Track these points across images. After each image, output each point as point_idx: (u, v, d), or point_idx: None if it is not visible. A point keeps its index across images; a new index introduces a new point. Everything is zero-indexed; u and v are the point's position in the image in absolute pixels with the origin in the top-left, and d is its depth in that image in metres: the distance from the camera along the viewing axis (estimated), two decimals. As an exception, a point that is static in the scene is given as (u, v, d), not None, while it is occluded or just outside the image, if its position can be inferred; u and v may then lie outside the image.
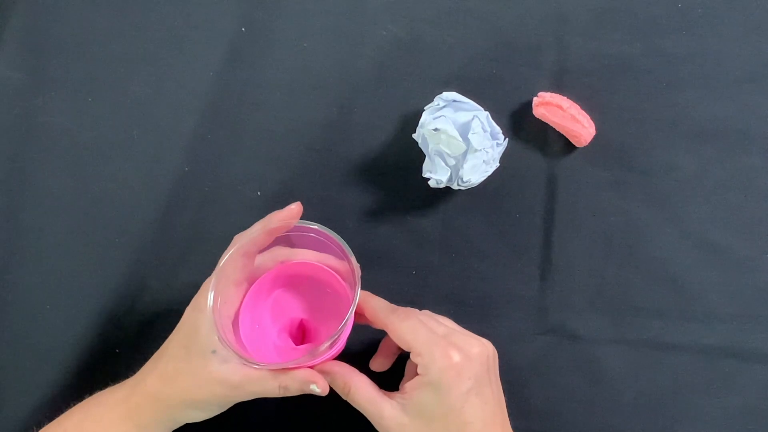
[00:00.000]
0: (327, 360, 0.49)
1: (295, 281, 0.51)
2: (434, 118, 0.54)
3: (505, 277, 0.58)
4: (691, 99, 0.57)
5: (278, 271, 0.50)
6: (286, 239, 0.49)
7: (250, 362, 0.44)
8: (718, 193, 0.57)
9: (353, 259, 0.46)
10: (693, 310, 0.57)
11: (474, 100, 0.56)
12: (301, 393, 0.47)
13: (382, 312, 0.49)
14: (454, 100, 0.55)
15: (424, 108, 0.57)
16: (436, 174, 0.54)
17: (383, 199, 0.60)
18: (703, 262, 0.57)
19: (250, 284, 0.50)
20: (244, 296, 0.49)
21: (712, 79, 0.57)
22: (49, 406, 0.58)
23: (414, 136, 0.57)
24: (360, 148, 0.59)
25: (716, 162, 0.57)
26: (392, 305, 0.50)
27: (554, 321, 0.58)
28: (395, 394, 0.48)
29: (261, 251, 0.49)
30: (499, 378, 0.49)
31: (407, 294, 0.59)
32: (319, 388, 0.46)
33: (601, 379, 0.57)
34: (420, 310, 0.51)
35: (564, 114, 0.56)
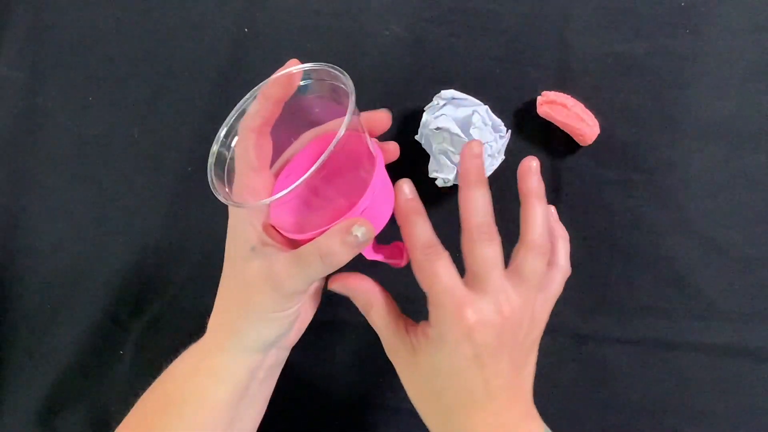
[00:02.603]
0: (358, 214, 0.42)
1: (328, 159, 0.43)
2: (435, 117, 0.54)
3: (510, 276, 0.58)
4: (696, 97, 0.57)
5: (306, 151, 0.45)
6: (301, 112, 0.44)
7: (245, 204, 0.39)
8: (724, 191, 0.57)
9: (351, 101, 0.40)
10: (699, 308, 0.57)
11: (478, 100, 0.56)
12: (348, 251, 0.41)
13: (415, 247, 0.44)
14: (453, 98, 0.55)
15: (424, 108, 0.56)
16: (443, 173, 0.54)
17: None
18: (709, 260, 0.57)
19: (277, 173, 0.45)
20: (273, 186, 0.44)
21: (716, 77, 0.57)
22: (51, 406, 0.58)
23: (416, 137, 0.56)
24: (363, 148, 0.59)
25: (721, 160, 0.57)
26: (434, 235, 0.45)
27: (559, 320, 0.58)
28: (417, 327, 0.44)
29: (273, 126, 0.44)
30: (530, 350, 0.45)
31: (412, 293, 0.58)
32: (364, 227, 0.40)
33: (607, 378, 0.57)
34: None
35: (568, 113, 0.56)
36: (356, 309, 0.59)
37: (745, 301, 0.56)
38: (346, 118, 0.39)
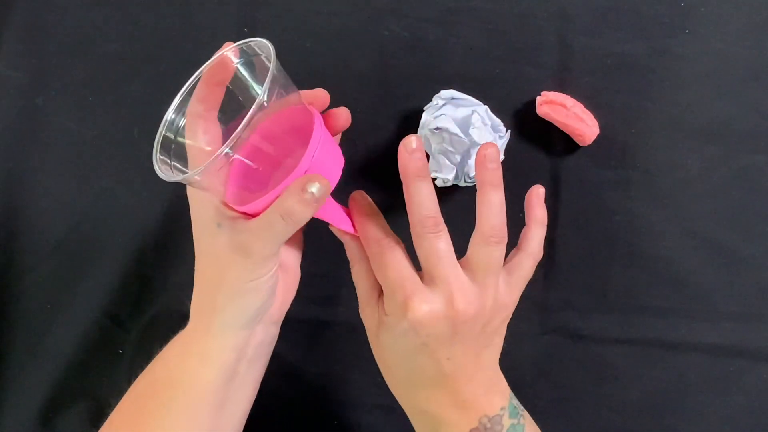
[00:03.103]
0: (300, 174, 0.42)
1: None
2: (435, 117, 0.54)
3: (509, 276, 0.58)
4: (695, 98, 0.57)
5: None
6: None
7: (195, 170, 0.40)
8: (723, 191, 0.57)
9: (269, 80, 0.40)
10: (698, 309, 0.57)
11: (477, 100, 0.56)
12: (307, 208, 0.41)
13: (367, 239, 0.45)
14: (453, 98, 0.55)
15: (424, 108, 0.56)
16: (442, 173, 0.54)
17: (387, 199, 0.59)
18: (707, 260, 0.57)
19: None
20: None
21: (715, 77, 0.57)
22: (51, 405, 0.58)
23: (416, 136, 0.56)
24: (363, 148, 0.59)
25: (720, 161, 0.57)
26: (386, 230, 0.45)
27: (559, 320, 0.58)
28: (383, 302, 0.45)
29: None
30: (494, 334, 0.46)
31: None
32: (317, 183, 0.40)
33: (606, 378, 0.57)
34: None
35: (568, 113, 0.56)
36: (356, 309, 0.59)
37: (745, 301, 0.56)
38: (266, 84, 0.39)
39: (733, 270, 0.57)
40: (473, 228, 0.58)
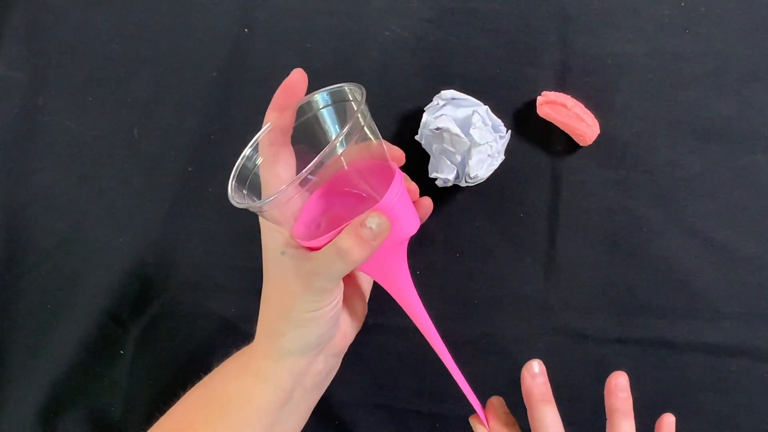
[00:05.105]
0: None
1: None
2: (435, 118, 0.54)
3: (510, 277, 0.58)
4: (695, 98, 0.57)
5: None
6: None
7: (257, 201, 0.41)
8: (723, 191, 0.57)
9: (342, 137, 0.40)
10: (698, 308, 0.57)
11: (478, 100, 0.56)
12: (363, 244, 0.41)
13: None
14: (453, 98, 0.55)
15: (424, 108, 0.56)
16: (443, 173, 0.54)
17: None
18: (708, 260, 0.57)
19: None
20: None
21: (716, 77, 0.57)
22: (51, 405, 0.58)
23: (416, 137, 0.56)
24: (363, 148, 0.59)
25: (721, 160, 0.57)
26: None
27: (559, 320, 0.58)
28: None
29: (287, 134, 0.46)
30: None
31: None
32: (377, 219, 0.41)
33: (606, 378, 0.57)
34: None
35: (568, 113, 0.56)
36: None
37: (745, 301, 0.56)
38: (348, 125, 0.40)
39: (733, 270, 0.57)
40: (473, 228, 0.59)
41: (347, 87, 0.45)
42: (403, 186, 0.44)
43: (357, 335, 0.56)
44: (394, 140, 0.59)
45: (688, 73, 0.57)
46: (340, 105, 0.46)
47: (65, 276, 0.59)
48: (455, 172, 0.54)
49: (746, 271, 0.57)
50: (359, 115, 0.41)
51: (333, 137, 0.46)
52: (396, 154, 0.49)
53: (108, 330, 0.59)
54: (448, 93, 0.55)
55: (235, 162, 0.45)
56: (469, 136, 0.53)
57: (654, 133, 0.57)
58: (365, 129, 0.42)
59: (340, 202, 0.46)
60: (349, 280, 0.52)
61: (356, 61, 0.60)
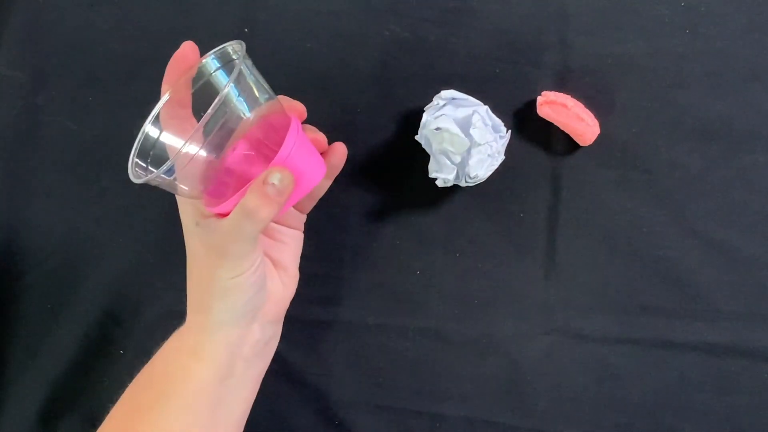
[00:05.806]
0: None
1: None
2: (435, 118, 0.54)
3: (510, 276, 0.58)
4: (696, 97, 0.57)
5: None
6: None
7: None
8: (723, 191, 0.57)
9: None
10: (698, 308, 0.57)
11: (478, 100, 0.56)
12: (270, 202, 0.41)
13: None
14: (453, 98, 0.55)
15: (424, 108, 0.56)
16: (443, 173, 0.54)
17: (387, 200, 0.59)
18: (708, 260, 0.57)
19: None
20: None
21: (716, 77, 0.57)
22: (51, 406, 0.58)
23: (417, 137, 0.56)
24: (364, 149, 0.59)
25: (721, 160, 0.57)
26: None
27: (559, 320, 0.58)
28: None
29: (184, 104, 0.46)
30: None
31: (412, 294, 0.58)
32: (278, 174, 0.41)
33: (607, 378, 0.57)
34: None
35: (569, 113, 0.56)
36: (356, 309, 0.59)
37: (745, 301, 0.56)
38: (231, 78, 0.40)
39: (733, 270, 0.57)
40: (473, 228, 0.59)
41: (230, 47, 0.45)
42: (302, 135, 0.44)
43: (357, 335, 0.56)
44: (394, 140, 0.59)
45: (688, 72, 0.57)
46: (229, 66, 0.45)
47: (65, 276, 0.59)
48: (455, 172, 0.54)
49: (746, 271, 0.57)
50: (243, 67, 0.41)
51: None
52: (297, 107, 0.48)
53: (107, 330, 0.59)
54: (448, 93, 0.55)
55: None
56: (469, 136, 0.53)
57: (654, 133, 0.57)
58: (250, 82, 0.42)
59: (250, 166, 0.45)
60: (272, 244, 0.52)
61: (356, 61, 0.60)
